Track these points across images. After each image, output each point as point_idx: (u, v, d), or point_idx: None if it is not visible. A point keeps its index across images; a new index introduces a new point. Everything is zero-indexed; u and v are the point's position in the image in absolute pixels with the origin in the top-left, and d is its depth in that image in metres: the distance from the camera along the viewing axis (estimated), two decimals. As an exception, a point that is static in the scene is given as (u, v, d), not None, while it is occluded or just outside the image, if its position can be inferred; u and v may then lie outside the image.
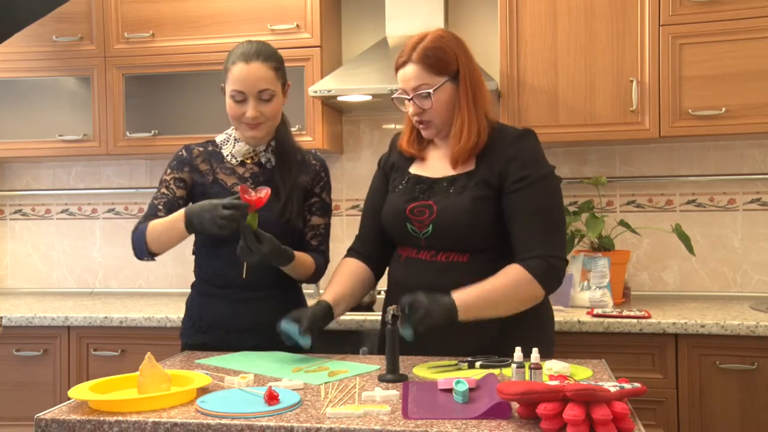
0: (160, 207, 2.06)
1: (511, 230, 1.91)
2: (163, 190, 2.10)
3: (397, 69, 1.97)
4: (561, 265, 1.90)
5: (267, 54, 2.04)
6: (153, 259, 2.05)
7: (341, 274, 2.06)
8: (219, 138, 2.18)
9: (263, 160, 2.14)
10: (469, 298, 1.81)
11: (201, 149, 2.15)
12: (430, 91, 1.91)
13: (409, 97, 1.95)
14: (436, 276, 1.91)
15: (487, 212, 1.90)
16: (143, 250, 2.01)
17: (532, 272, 1.85)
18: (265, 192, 1.87)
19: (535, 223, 1.89)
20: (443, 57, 1.92)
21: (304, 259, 2.10)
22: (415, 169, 2.04)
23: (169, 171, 2.13)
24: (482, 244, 1.92)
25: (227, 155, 2.14)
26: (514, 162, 1.91)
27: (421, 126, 1.99)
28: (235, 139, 2.14)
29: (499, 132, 1.97)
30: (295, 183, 2.12)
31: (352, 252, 2.12)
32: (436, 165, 2.01)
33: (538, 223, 1.89)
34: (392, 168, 2.10)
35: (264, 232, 1.92)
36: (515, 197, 1.90)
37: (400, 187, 2.03)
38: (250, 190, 1.88)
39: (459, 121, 1.94)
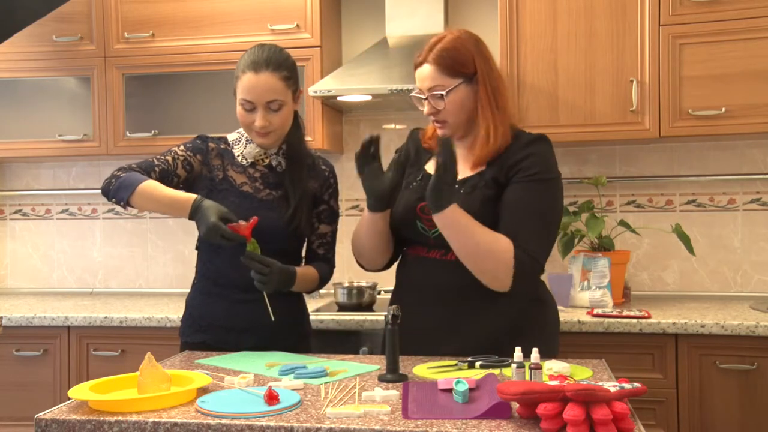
0: (156, 170, 2.03)
1: (503, 217, 1.89)
2: (168, 158, 2.07)
3: (415, 68, 1.99)
4: (537, 268, 1.88)
5: (277, 63, 2.02)
6: (123, 207, 1.98)
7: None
8: (231, 137, 2.18)
9: (274, 163, 2.14)
10: (462, 218, 1.83)
11: (214, 145, 2.15)
12: (444, 92, 1.92)
13: (424, 97, 1.96)
14: (443, 275, 1.92)
15: (495, 212, 1.90)
16: (124, 197, 1.95)
17: (516, 260, 1.83)
18: (252, 220, 1.89)
19: (527, 216, 1.88)
20: (458, 58, 1.93)
21: (307, 274, 2.12)
22: (430, 168, 2.04)
23: (182, 148, 2.12)
24: None
25: (238, 155, 2.14)
26: (525, 161, 1.91)
27: (437, 125, 2.00)
28: (247, 140, 2.14)
29: (515, 136, 1.97)
30: (305, 189, 2.13)
31: None
32: None
33: (530, 218, 1.88)
34: (408, 162, 2.08)
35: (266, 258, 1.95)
36: (517, 187, 1.90)
37: (414, 184, 2.04)
38: (239, 222, 1.88)
39: (485, 125, 1.95)
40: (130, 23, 3.19)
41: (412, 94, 2.02)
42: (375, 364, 1.85)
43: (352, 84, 2.89)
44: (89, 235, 3.64)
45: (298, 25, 3.05)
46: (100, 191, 2.04)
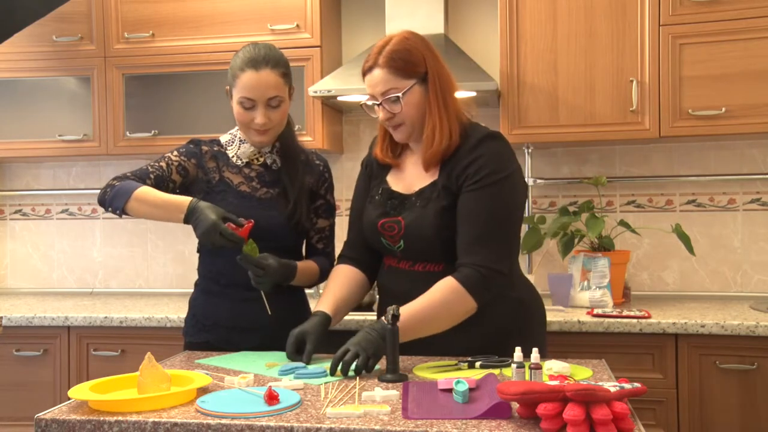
0: (151, 176, 2.03)
1: (458, 231, 1.86)
2: (162, 164, 2.07)
3: (363, 74, 1.94)
4: (496, 277, 1.83)
5: (276, 60, 2.03)
6: (120, 216, 1.97)
7: (336, 282, 2.04)
8: (224, 138, 2.18)
9: (269, 161, 2.15)
10: (403, 322, 1.74)
11: (207, 147, 2.15)
12: (399, 95, 1.88)
13: (378, 103, 1.92)
14: (415, 285, 1.89)
15: (452, 222, 1.87)
16: (119, 205, 1.94)
17: (464, 284, 1.81)
18: (247, 222, 1.89)
19: (478, 227, 1.84)
20: (410, 59, 1.88)
21: (307, 269, 2.12)
22: (390, 179, 2.02)
23: (176, 153, 2.11)
24: (453, 252, 1.88)
25: (233, 156, 2.14)
26: (471, 166, 1.86)
27: (392, 130, 1.95)
28: (240, 140, 2.14)
29: (466, 136, 1.90)
30: (303, 184, 2.13)
31: (343, 258, 2.11)
32: (411, 173, 1.98)
33: (482, 228, 1.84)
34: (372, 173, 2.08)
35: (263, 256, 1.94)
36: (465, 198, 1.86)
37: (377, 197, 2.01)
38: (234, 224, 1.88)
39: (430, 124, 1.89)
40: (130, 23, 3.19)
41: (363, 102, 1.97)
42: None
43: (352, 84, 2.89)
44: (89, 235, 3.64)
45: (298, 25, 3.05)
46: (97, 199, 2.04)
